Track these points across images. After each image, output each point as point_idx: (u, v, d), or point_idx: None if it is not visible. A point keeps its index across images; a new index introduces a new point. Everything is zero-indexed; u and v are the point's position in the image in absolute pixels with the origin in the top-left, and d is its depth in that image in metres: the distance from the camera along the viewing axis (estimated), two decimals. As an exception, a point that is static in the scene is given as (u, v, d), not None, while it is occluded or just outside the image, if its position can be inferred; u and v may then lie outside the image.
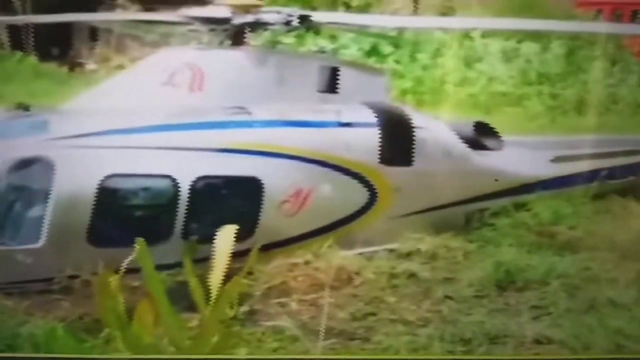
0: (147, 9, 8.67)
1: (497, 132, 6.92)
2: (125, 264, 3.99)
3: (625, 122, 12.13)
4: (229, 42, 5.98)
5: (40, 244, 4.91)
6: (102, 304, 4.00)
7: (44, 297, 4.92)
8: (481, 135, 6.74)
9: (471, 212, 6.54)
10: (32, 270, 4.92)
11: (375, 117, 5.90)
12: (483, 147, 6.64)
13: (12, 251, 4.91)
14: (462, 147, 6.43)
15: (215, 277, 4.04)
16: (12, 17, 8.66)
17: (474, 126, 6.80)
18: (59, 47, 9.30)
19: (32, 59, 9.80)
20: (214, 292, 4.00)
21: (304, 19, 5.82)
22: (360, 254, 5.71)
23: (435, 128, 6.38)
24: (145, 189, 5.26)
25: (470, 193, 6.50)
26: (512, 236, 6.36)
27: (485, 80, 13.90)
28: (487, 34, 15.14)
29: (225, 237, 4.20)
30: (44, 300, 4.89)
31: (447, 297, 5.29)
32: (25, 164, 5.07)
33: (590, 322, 4.86)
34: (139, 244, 3.99)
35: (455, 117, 8.45)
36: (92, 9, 8.83)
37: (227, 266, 4.01)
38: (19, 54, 9.90)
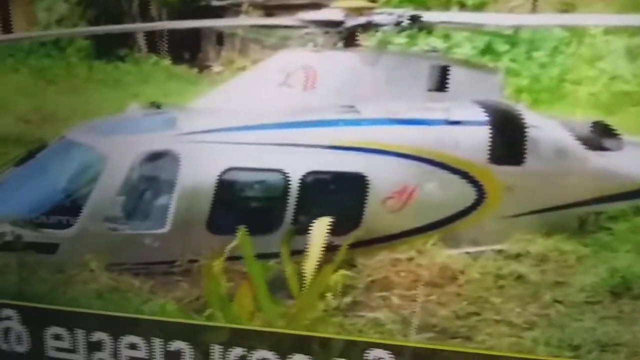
0: (268, 14, 9.07)
1: (617, 132, 6.65)
2: (227, 250, 4.30)
3: None
4: (341, 43, 6.16)
5: (165, 229, 5.39)
6: (206, 286, 4.36)
7: (166, 278, 5.38)
8: (599, 135, 6.50)
9: (586, 215, 6.32)
10: (158, 253, 5.41)
11: (486, 115, 5.85)
12: (601, 148, 6.42)
13: (141, 235, 5.43)
14: (578, 147, 6.22)
15: (310, 266, 4.30)
16: (149, 24, 9.40)
17: (591, 126, 6.59)
18: (189, 51, 9.93)
19: (166, 61, 10.48)
20: (307, 280, 4.22)
21: (415, 19, 5.86)
22: (467, 253, 5.70)
23: (549, 127, 6.23)
24: (260, 182, 5.57)
25: (585, 195, 6.28)
26: (631, 242, 6.02)
27: (606, 79, 13.27)
28: (609, 30, 14.41)
29: (320, 229, 4.45)
30: (166, 281, 5.35)
31: (557, 301, 5.18)
32: (155, 156, 5.58)
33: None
34: (241, 233, 4.28)
35: (574, 116, 8.18)
36: (218, 15, 9.41)
37: (322, 256, 4.22)
38: (154, 57, 10.67)
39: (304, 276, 4.41)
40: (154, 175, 5.66)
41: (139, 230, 5.48)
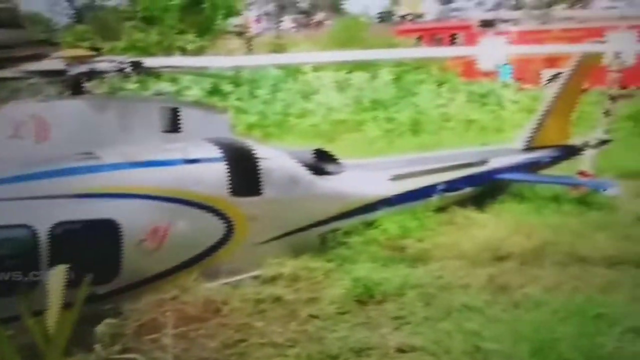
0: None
1: (336, 157, 7.35)
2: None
3: (458, 138, 13.11)
4: (69, 92, 5.94)
5: None
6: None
7: None
8: (322, 161, 7.12)
9: (325, 234, 6.86)
10: None
11: (220, 151, 6.07)
12: (325, 172, 7.02)
13: None
14: (306, 174, 6.75)
15: (51, 316, 4.05)
16: None
17: (314, 153, 7.19)
18: None
19: None
20: (50, 330, 4.00)
21: (136, 65, 5.87)
22: (227, 283, 5.79)
23: (279, 158, 6.65)
24: (5, 240, 5.04)
25: (320, 216, 6.83)
26: (366, 252, 6.71)
27: (324, 110, 14.55)
28: (318, 67, 15.89)
29: (57, 278, 4.23)
30: None
31: (312, 316, 5.47)
32: None
33: (448, 328, 5.15)
34: None
35: (299, 146, 8.81)
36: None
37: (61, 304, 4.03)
38: None
39: (48, 330, 4.10)
40: None
41: None
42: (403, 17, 39.56)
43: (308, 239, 6.65)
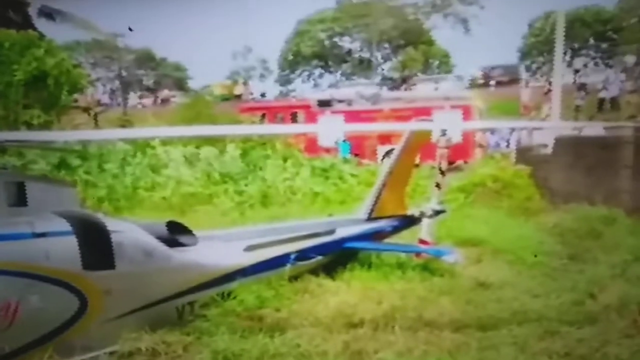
0: None
1: (189, 230, 7.38)
2: None
3: (305, 209, 13.54)
4: None
5: None
6: None
7: None
8: (175, 234, 7.11)
9: (181, 306, 6.78)
10: None
11: (69, 225, 5.92)
12: (179, 244, 7.02)
13: None
14: (160, 246, 6.71)
15: None
16: None
17: (167, 226, 7.18)
18: None
19: None
20: None
21: None
22: (82, 360, 5.55)
23: (131, 231, 6.58)
24: None
25: (176, 288, 6.74)
26: (224, 324, 6.65)
27: (174, 184, 14.51)
28: (167, 142, 15.93)
29: None
30: None
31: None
32: None
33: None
34: None
35: (151, 219, 8.70)
36: None
37: None
38: None
39: None
40: None
41: None
42: (238, 96, 40.54)
43: (165, 312, 6.53)
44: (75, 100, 21.97)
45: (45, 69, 19.48)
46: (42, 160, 13.51)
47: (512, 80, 40.07)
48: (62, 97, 20.11)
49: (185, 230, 7.34)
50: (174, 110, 24.40)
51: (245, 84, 46.39)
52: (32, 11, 25.01)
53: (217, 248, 7.46)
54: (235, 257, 7.52)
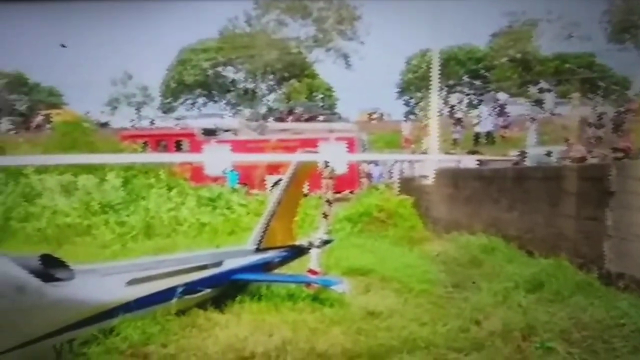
0: None
1: (65, 263, 6.96)
2: None
3: (191, 240, 13.18)
4: None
5: None
6: None
7: None
8: (50, 267, 6.68)
9: (60, 345, 6.33)
10: None
11: None
12: (54, 279, 6.59)
13: None
14: (34, 281, 6.28)
15: None
16: None
17: (40, 259, 6.72)
18: None
19: None
20: None
21: None
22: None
23: (1, 264, 6.14)
24: None
25: (52, 325, 6.30)
26: (99, 363, 6.32)
27: (50, 214, 13.72)
28: (41, 169, 15.08)
29: None
30: None
31: None
32: None
33: None
34: None
35: (24, 252, 8.15)
36: None
37: None
38: None
39: None
40: None
41: None
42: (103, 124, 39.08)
43: (43, 351, 6.10)
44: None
45: None
46: None
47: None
48: None
49: (61, 264, 6.91)
50: (50, 137, 23.22)
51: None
52: None
53: (97, 282, 7.07)
54: (116, 291, 7.15)
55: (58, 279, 6.60)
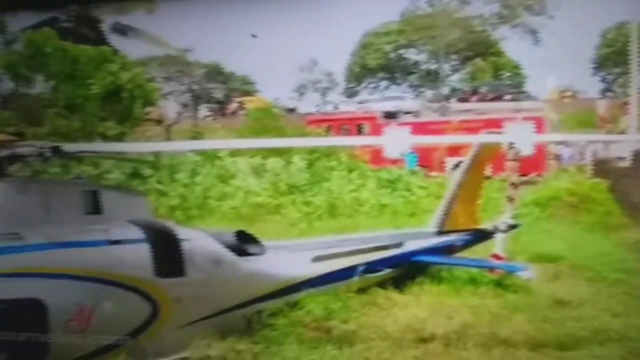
0: None
1: (257, 239, 7.38)
2: None
3: (372, 221, 13.36)
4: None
5: None
6: None
7: None
8: (244, 243, 7.13)
9: (250, 315, 6.78)
10: None
11: (143, 233, 6.03)
12: (247, 254, 7.02)
13: None
14: (229, 255, 6.75)
15: None
16: None
17: (235, 235, 7.20)
18: None
19: None
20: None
21: (56, 150, 5.88)
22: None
23: (201, 239, 6.67)
24: None
25: (244, 297, 6.77)
26: (292, 334, 6.65)
27: (242, 194, 14.65)
28: (234, 152, 16.14)
29: None
30: None
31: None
32: None
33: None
34: None
35: (221, 228, 8.77)
36: None
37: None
38: None
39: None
40: None
41: None
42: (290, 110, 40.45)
43: (234, 321, 6.56)
44: (148, 113, 22.75)
45: (119, 84, 20.25)
46: (116, 170, 13.96)
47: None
48: (135, 110, 20.86)
49: (254, 240, 7.35)
50: (243, 122, 24.74)
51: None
52: (106, 27, 26.04)
53: (285, 258, 7.44)
54: (302, 267, 7.48)
55: (251, 254, 7.06)
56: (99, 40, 24.08)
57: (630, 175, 15.02)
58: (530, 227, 10.98)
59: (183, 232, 6.50)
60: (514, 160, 9.07)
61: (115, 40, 22.86)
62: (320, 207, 14.39)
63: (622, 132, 20.05)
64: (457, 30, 51.04)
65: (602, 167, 16.67)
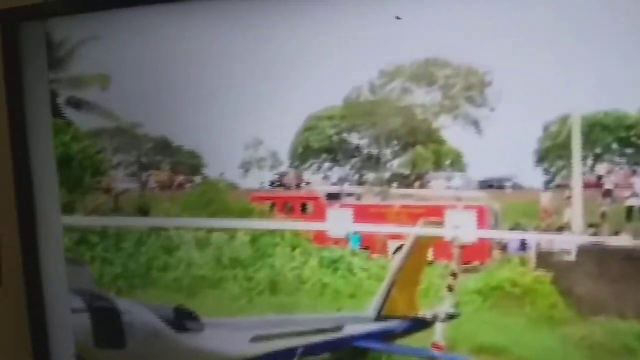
0: None
1: (196, 315, 7.36)
2: None
3: (313, 300, 13.35)
4: None
5: None
6: None
7: None
8: (182, 318, 7.10)
9: None
10: None
11: (83, 303, 5.96)
12: (186, 329, 6.97)
13: None
14: (168, 330, 6.71)
15: None
16: None
17: (174, 309, 7.18)
18: None
19: None
20: None
21: None
22: None
23: (140, 312, 6.65)
24: None
25: None
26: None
27: (185, 266, 14.53)
28: (179, 226, 16.11)
29: None
30: None
31: None
32: None
33: None
34: None
35: (162, 300, 8.66)
36: None
37: None
38: None
39: None
40: None
41: None
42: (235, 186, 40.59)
43: None
44: (99, 182, 22.75)
45: (70, 154, 20.19)
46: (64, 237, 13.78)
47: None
48: (85, 179, 20.79)
49: (192, 316, 7.34)
50: (189, 196, 24.75)
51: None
52: (61, 101, 26.23)
53: (223, 337, 7.47)
54: (241, 347, 7.49)
55: (189, 330, 7.02)
56: (55, 112, 24.06)
57: (575, 269, 15.42)
58: (473, 317, 11.11)
59: (123, 305, 6.48)
60: (457, 248, 9.27)
61: (69, 112, 23.03)
62: (262, 283, 14.35)
63: (565, 226, 20.71)
64: (399, 118, 52.84)
65: (546, 260, 17.11)
